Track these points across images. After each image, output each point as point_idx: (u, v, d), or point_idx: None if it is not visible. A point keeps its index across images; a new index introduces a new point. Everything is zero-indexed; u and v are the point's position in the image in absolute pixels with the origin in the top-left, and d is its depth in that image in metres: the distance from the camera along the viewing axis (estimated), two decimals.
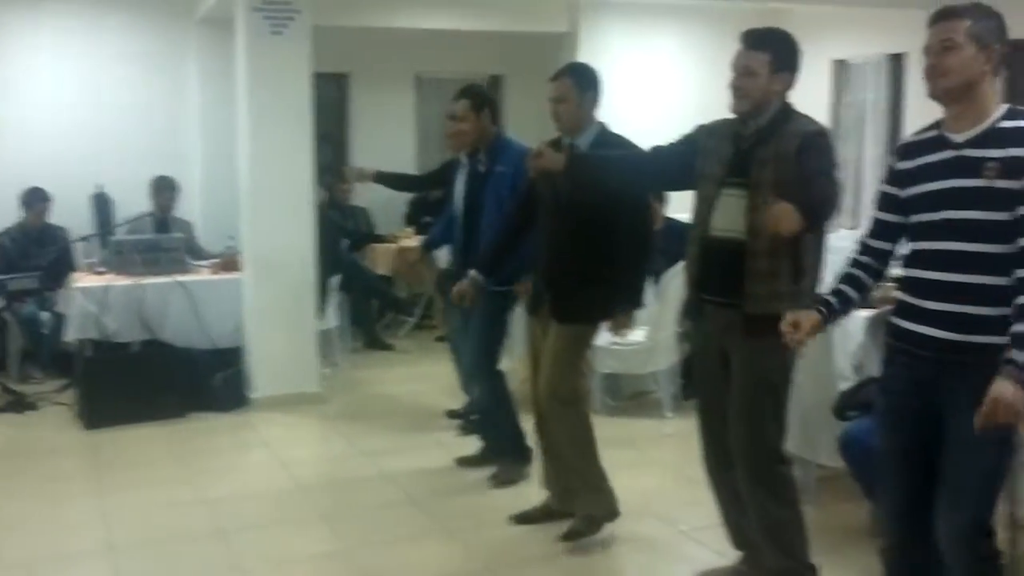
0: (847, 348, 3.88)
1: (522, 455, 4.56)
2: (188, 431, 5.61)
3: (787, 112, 3.10)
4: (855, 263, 2.78)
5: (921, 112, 2.71)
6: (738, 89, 3.09)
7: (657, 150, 3.41)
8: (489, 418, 4.67)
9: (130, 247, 6.25)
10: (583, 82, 3.79)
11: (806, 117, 3.12)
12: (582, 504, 3.92)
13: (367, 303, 7.84)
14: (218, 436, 5.56)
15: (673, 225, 5.75)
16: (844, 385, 3.77)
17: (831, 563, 3.42)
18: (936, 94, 2.56)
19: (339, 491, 4.69)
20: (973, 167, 2.48)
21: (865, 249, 2.77)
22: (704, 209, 3.18)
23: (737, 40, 3.15)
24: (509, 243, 4.13)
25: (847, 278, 2.78)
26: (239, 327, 6.18)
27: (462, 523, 4.19)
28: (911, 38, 8.38)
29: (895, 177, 2.69)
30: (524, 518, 4.11)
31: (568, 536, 3.88)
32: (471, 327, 4.51)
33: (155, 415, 5.67)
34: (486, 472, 4.70)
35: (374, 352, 7.60)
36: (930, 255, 2.57)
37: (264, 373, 6.04)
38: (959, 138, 2.53)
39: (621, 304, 3.83)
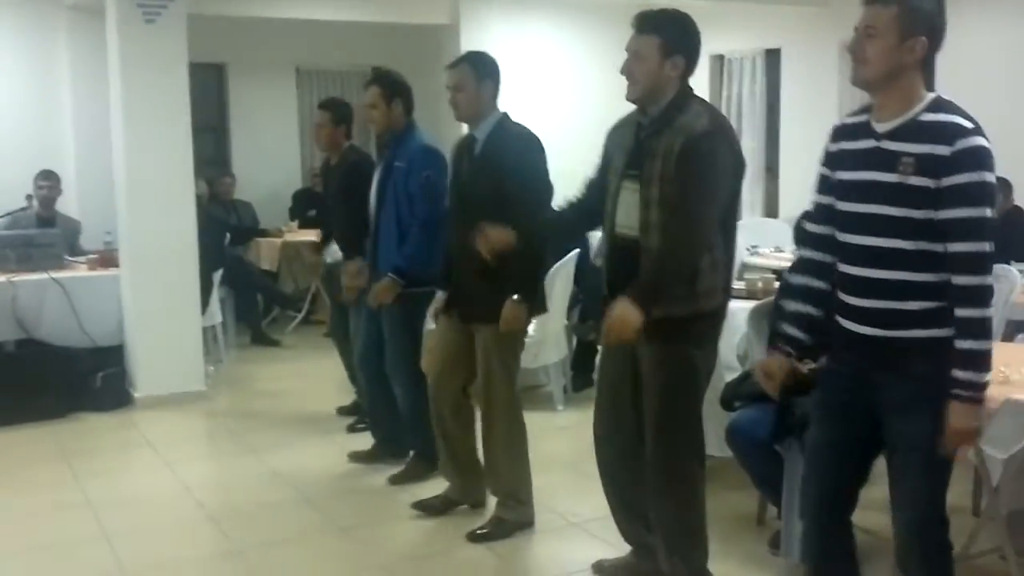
0: (731, 340, 3.99)
1: (430, 459, 4.46)
2: (69, 432, 5.45)
3: (682, 101, 2.97)
4: (805, 266, 2.71)
5: (798, 106, 2.76)
6: (627, 74, 2.99)
7: (585, 195, 3.33)
8: (410, 419, 4.54)
9: (3, 243, 6.02)
10: (480, 70, 3.77)
11: (701, 106, 3.00)
12: (500, 505, 3.95)
13: (252, 298, 7.74)
14: (100, 436, 5.42)
15: None
16: (729, 376, 3.86)
17: (720, 551, 3.47)
18: (855, 81, 2.51)
19: (227, 490, 4.64)
20: (889, 161, 2.43)
21: (812, 241, 2.68)
22: (610, 204, 3.12)
23: (621, 29, 3.07)
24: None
25: (803, 294, 2.68)
26: (120, 325, 6.02)
27: (356, 520, 4.19)
28: (787, 34, 8.75)
29: (827, 159, 2.64)
30: (425, 507, 4.14)
31: (475, 538, 3.88)
32: (388, 330, 4.44)
33: (33, 416, 5.50)
34: (378, 468, 4.70)
35: (260, 348, 7.52)
36: (853, 250, 2.53)
37: (147, 371, 5.91)
38: (881, 128, 2.48)
39: (519, 297, 3.70)
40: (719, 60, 8.75)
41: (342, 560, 3.82)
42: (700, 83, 8.46)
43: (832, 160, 2.60)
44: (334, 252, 7.16)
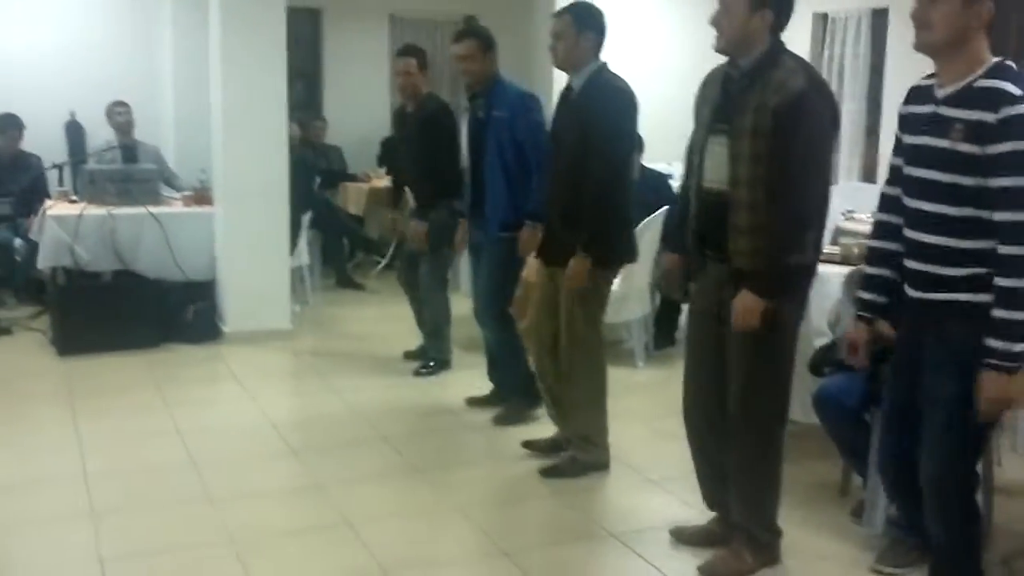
0: (823, 305, 3.91)
1: (530, 397, 4.58)
2: (160, 362, 5.62)
3: (775, 54, 2.92)
4: (878, 229, 2.71)
5: (903, 68, 2.72)
6: (715, 25, 2.97)
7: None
8: (501, 360, 4.69)
9: (103, 176, 6.21)
10: (582, 21, 3.79)
11: (795, 61, 2.94)
12: (575, 445, 4.02)
13: (339, 242, 7.84)
14: (190, 368, 5.58)
15: (649, 174, 5.79)
16: (820, 341, 3.79)
17: (801, 519, 3.46)
18: (919, 46, 2.50)
19: (309, 427, 4.74)
20: (944, 127, 2.43)
21: (884, 203, 2.69)
22: (696, 158, 3.09)
23: None
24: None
25: (878, 256, 2.70)
26: (212, 261, 6.17)
27: (434, 461, 4.25)
28: None
29: (900, 121, 2.65)
30: (531, 445, 4.21)
31: (548, 472, 3.98)
32: (480, 273, 4.54)
33: (127, 345, 5.68)
34: (455, 411, 4.78)
35: (344, 291, 7.61)
36: (911, 213, 2.56)
37: (236, 307, 6.05)
38: (941, 93, 2.48)
39: (582, 247, 3.74)
40: (822, 19, 8.48)
41: (419, 499, 3.88)
42: (802, 42, 8.34)
43: (902, 123, 2.63)
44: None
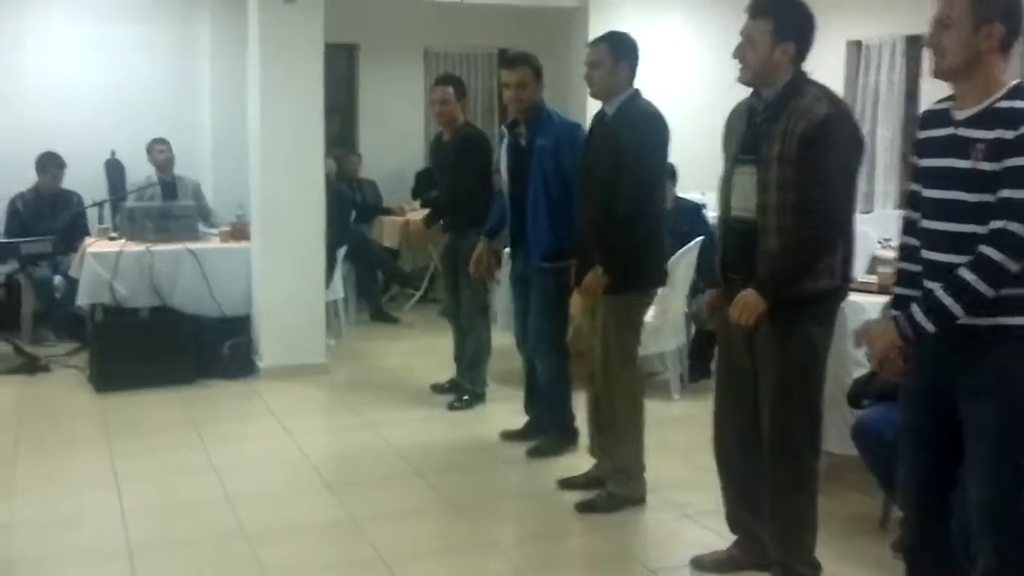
0: None
1: (568, 434, 4.62)
2: (197, 397, 5.66)
3: (798, 84, 2.99)
4: (905, 253, 2.72)
5: (937, 95, 2.70)
6: (739, 58, 3.03)
7: None
8: (550, 394, 4.65)
9: (142, 213, 6.29)
10: (618, 50, 3.85)
11: (818, 90, 3.00)
12: (611, 479, 4.00)
13: (373, 275, 7.87)
14: (226, 403, 5.61)
15: (683, 205, 5.77)
16: (858, 372, 3.74)
17: (839, 553, 3.41)
18: (937, 73, 2.54)
19: (345, 462, 4.74)
20: (964, 148, 2.45)
21: (908, 227, 2.71)
22: (725, 189, 3.16)
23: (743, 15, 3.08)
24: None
25: (905, 279, 2.70)
26: (248, 296, 6.22)
27: (469, 496, 4.24)
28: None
29: (916, 146, 2.67)
30: (569, 483, 4.18)
31: (583, 507, 3.97)
32: (532, 306, 4.52)
33: (165, 381, 5.73)
34: (490, 447, 4.76)
35: (379, 324, 7.64)
36: (929, 234, 2.57)
37: (271, 342, 6.09)
38: (960, 115, 2.50)
39: (600, 262, 3.78)
40: (856, 46, 8.44)
41: (455, 536, 3.86)
42: (836, 70, 8.31)
43: (919, 148, 2.64)
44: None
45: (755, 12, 3.03)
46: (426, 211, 7.64)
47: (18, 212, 7.00)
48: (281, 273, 6.07)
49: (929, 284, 2.54)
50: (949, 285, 2.44)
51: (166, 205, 6.58)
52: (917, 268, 2.66)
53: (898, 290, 2.75)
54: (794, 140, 2.90)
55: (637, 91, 3.88)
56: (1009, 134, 2.38)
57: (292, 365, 6.05)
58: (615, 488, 3.98)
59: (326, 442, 5.16)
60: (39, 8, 7.48)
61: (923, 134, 2.63)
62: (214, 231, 6.67)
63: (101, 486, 4.28)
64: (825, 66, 8.45)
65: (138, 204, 6.56)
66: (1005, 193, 2.39)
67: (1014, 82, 2.46)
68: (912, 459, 2.72)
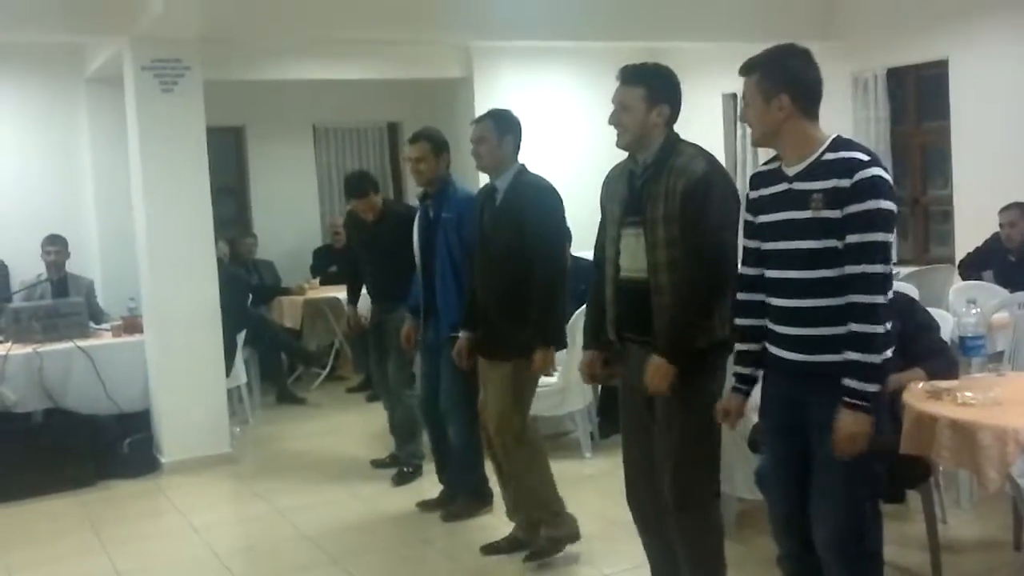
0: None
1: (483, 497, 4.70)
2: (97, 500, 5.44)
3: (672, 144, 3.12)
4: (743, 308, 2.87)
5: None
6: (615, 124, 3.15)
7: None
8: (462, 459, 4.68)
9: (28, 314, 6.09)
10: (502, 125, 4.01)
11: (694, 148, 3.13)
12: (544, 524, 4.06)
13: (276, 357, 7.75)
14: (129, 504, 5.41)
15: (579, 264, 5.83)
16: (756, 417, 3.81)
17: None
18: (754, 143, 2.82)
19: (255, 555, 4.61)
20: (802, 200, 2.63)
21: (745, 284, 2.87)
22: (611, 250, 3.23)
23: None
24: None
25: (748, 333, 2.87)
26: (145, 390, 6.05)
27: None
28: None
29: (749, 205, 2.85)
30: (493, 548, 4.20)
31: (531, 556, 4.05)
32: (443, 374, 4.54)
33: (62, 486, 5.52)
34: (405, 524, 4.71)
35: (285, 406, 7.51)
36: (777, 283, 2.73)
37: (173, 436, 5.92)
38: (790, 172, 2.69)
39: (541, 341, 3.88)
40: (732, 98, 8.75)
41: None
42: (714, 122, 8.60)
43: (753, 206, 2.83)
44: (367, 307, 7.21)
45: (627, 79, 3.16)
46: (329, 289, 7.66)
47: None
48: (178, 363, 5.93)
49: (795, 330, 2.67)
50: (856, 344, 2.57)
51: (53, 303, 6.37)
52: (756, 322, 2.83)
53: (741, 346, 2.91)
54: (676, 198, 3.02)
55: (523, 166, 4.04)
56: (845, 182, 2.56)
57: (196, 457, 5.89)
58: (549, 531, 4.06)
59: (235, 535, 5.00)
60: None
61: (756, 193, 2.82)
62: (106, 326, 6.48)
63: None
64: (703, 118, 8.82)
65: (24, 304, 6.35)
66: (854, 238, 2.56)
67: (833, 136, 2.67)
68: (778, 492, 2.88)
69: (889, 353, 2.60)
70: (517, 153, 4.05)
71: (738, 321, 2.90)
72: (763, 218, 2.77)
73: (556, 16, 6.77)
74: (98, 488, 5.60)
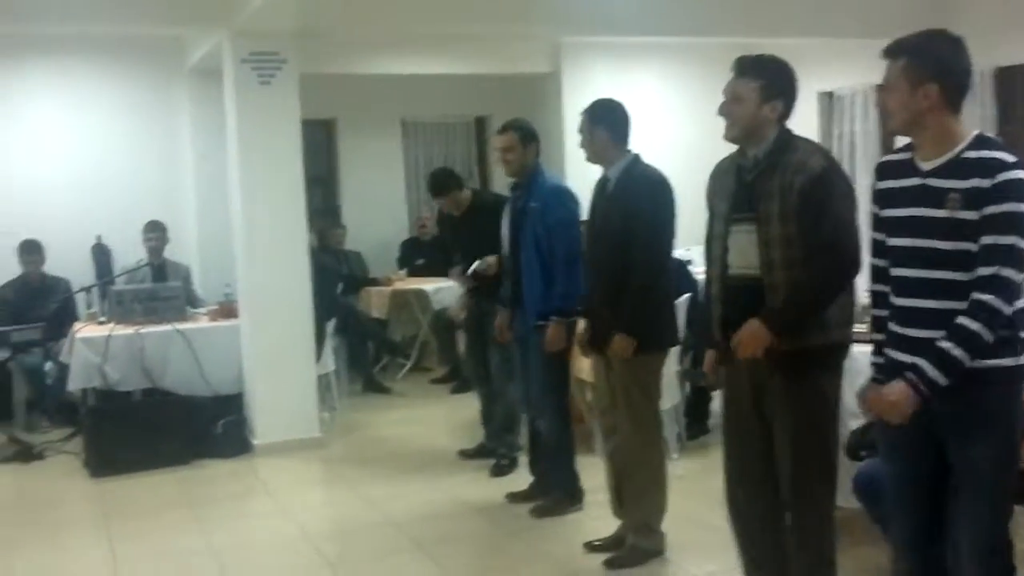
0: (855, 384, 3.87)
1: (573, 494, 4.66)
2: (192, 478, 5.62)
3: (786, 140, 3.06)
4: (877, 300, 2.78)
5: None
6: (725, 115, 3.09)
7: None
8: (553, 452, 4.68)
9: (130, 297, 6.30)
10: (595, 117, 4.02)
11: (808, 144, 3.08)
12: (635, 533, 4.03)
13: (364, 347, 7.86)
14: (222, 483, 5.57)
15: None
16: (855, 424, 3.71)
17: None
18: (891, 130, 2.68)
19: (344, 538, 4.70)
20: (937, 197, 2.53)
21: (877, 275, 2.77)
22: (718, 248, 3.18)
23: (722, 73, 3.17)
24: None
25: (881, 324, 2.75)
26: (238, 374, 6.21)
27: (473, 569, 4.21)
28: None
29: (875, 196, 2.75)
30: (596, 547, 4.16)
31: (612, 563, 4.00)
32: (532, 365, 4.57)
33: (159, 463, 5.70)
34: (495, 517, 4.73)
35: (371, 395, 7.61)
36: (905, 282, 2.62)
37: (265, 419, 6.06)
38: (925, 166, 2.58)
39: (625, 329, 3.84)
40: (828, 97, 8.61)
41: None
42: (809, 121, 8.45)
43: (880, 197, 2.72)
44: (440, 300, 7.31)
45: (742, 71, 3.09)
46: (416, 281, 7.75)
47: (6, 301, 7.00)
48: (271, 349, 6.08)
49: (914, 332, 2.58)
50: (953, 335, 2.48)
51: (154, 287, 6.60)
52: (887, 314, 2.72)
53: (880, 336, 2.78)
54: (793, 195, 2.95)
55: (637, 156, 4.01)
56: (986, 183, 2.46)
57: (286, 441, 6.02)
58: (638, 541, 4.02)
59: (325, 518, 5.11)
60: (20, 101, 7.54)
61: (884, 184, 2.71)
62: (202, 310, 6.67)
63: (99, 573, 4.25)
64: (798, 118, 8.64)
65: (126, 287, 6.58)
66: (989, 240, 2.46)
67: (975, 132, 2.56)
68: (906, 509, 2.75)
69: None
70: (621, 143, 4.01)
71: (876, 312, 2.80)
72: (889, 212, 2.66)
73: (649, 11, 6.74)
74: (192, 467, 5.78)
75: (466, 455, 5.66)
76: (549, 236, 4.43)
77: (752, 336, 2.96)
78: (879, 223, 2.73)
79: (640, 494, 4.03)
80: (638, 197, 3.88)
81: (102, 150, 7.74)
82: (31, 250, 7.10)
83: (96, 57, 7.65)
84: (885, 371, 2.70)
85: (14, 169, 7.48)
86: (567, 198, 4.54)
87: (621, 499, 4.11)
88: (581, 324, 4.22)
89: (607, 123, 4.00)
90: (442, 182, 5.59)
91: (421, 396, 7.52)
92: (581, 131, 4.04)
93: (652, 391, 4.01)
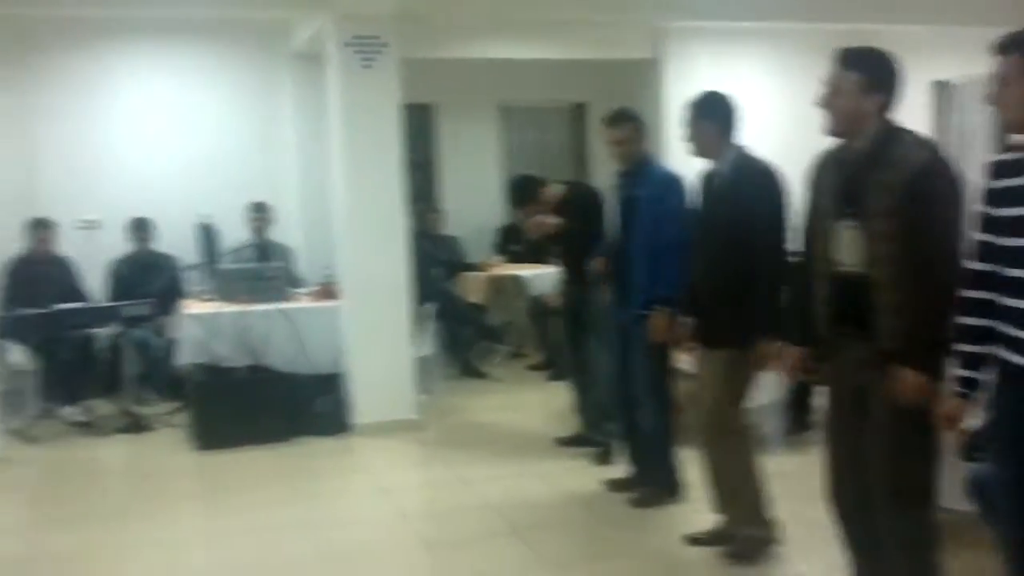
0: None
1: (672, 487, 4.63)
2: (292, 455, 5.74)
3: (890, 133, 2.96)
4: (969, 306, 2.69)
5: None
6: (825, 107, 3.01)
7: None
8: (652, 444, 4.65)
9: (235, 276, 6.46)
10: (700, 110, 3.95)
11: (914, 137, 2.97)
12: (746, 524, 3.99)
13: (461, 331, 7.89)
14: (321, 460, 5.67)
15: None
16: (970, 424, 3.64)
17: None
18: (1005, 126, 2.57)
19: (441, 519, 4.73)
20: None
21: (973, 280, 2.68)
22: (823, 244, 3.10)
23: (825, 61, 3.08)
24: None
25: (973, 333, 2.67)
26: (339, 354, 6.30)
27: (571, 556, 4.20)
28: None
29: (988, 196, 2.64)
30: (696, 540, 4.14)
31: (729, 556, 3.97)
32: (634, 355, 4.54)
33: (261, 438, 5.84)
34: (588, 504, 4.73)
35: (468, 380, 7.66)
36: (1015, 282, 2.52)
37: (364, 399, 6.15)
38: None
39: (762, 331, 3.72)
40: (941, 87, 8.31)
41: None
42: (921, 111, 8.15)
43: (993, 196, 2.60)
44: (537, 286, 7.27)
45: (843, 63, 3.00)
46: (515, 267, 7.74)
47: (121, 276, 7.25)
48: (371, 330, 6.17)
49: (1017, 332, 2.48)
50: None
51: (258, 267, 6.76)
52: (982, 322, 2.63)
53: (970, 348, 2.69)
54: (897, 190, 2.87)
55: (741, 148, 3.92)
56: None
57: (385, 421, 6.11)
58: (751, 531, 3.97)
59: (421, 499, 5.17)
60: (129, 83, 7.77)
61: (999, 183, 2.60)
62: (303, 291, 6.80)
63: (203, 544, 4.37)
64: (910, 107, 8.35)
65: (232, 266, 6.75)
66: None
67: None
68: (1017, 517, 2.65)
69: None
70: (727, 134, 3.93)
71: (963, 320, 2.71)
72: (1003, 211, 2.56)
73: None
74: (292, 443, 5.90)
75: (563, 443, 5.64)
76: (659, 224, 4.38)
77: (910, 386, 2.86)
78: (989, 223, 2.62)
79: (737, 488, 3.98)
80: (752, 191, 3.78)
81: (208, 132, 7.94)
82: (141, 227, 7.33)
83: (203, 41, 7.84)
84: (971, 385, 2.68)
85: (124, 150, 7.72)
86: (679, 186, 4.47)
87: (719, 494, 4.06)
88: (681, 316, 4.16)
89: (715, 116, 3.94)
90: (520, 193, 5.59)
91: (517, 382, 7.53)
92: (687, 124, 3.96)
93: (744, 383, 3.94)
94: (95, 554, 4.32)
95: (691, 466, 4.58)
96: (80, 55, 7.63)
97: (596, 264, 4.95)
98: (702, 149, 3.95)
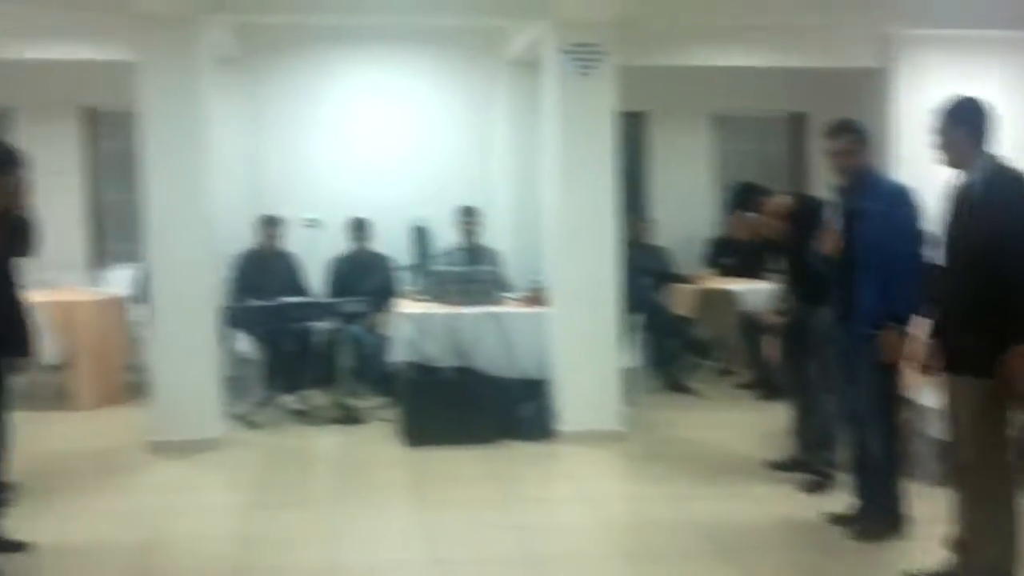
0: None
1: (896, 519, 4.33)
2: (498, 457, 5.77)
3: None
4: None
5: None
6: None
7: None
8: (878, 470, 4.37)
9: (447, 278, 6.58)
10: (954, 117, 3.71)
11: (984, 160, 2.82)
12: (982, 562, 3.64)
13: (668, 344, 7.73)
14: (527, 465, 5.67)
15: None
16: None
17: None
18: None
19: (644, 533, 4.62)
20: None
21: None
22: None
23: None
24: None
25: None
26: (544, 360, 6.30)
27: None
28: None
29: None
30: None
31: None
32: (861, 377, 4.30)
33: (466, 439, 5.91)
34: (805, 530, 4.48)
35: (673, 394, 7.49)
36: None
37: (569, 407, 6.12)
38: None
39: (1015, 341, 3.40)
40: None
41: None
42: None
43: None
44: (749, 302, 7.00)
45: None
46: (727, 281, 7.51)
47: (341, 273, 7.56)
48: (578, 339, 6.13)
49: None
50: None
51: (469, 270, 6.86)
52: None
53: None
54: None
55: (993, 157, 3.64)
56: None
57: (588, 431, 6.05)
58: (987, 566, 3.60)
59: (625, 511, 5.06)
60: (350, 90, 8.11)
61: None
62: (513, 295, 6.85)
63: (409, 537, 4.46)
64: None
65: (444, 269, 6.88)
66: None
67: None
68: None
69: None
70: (980, 143, 3.65)
71: None
72: None
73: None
74: (497, 446, 5.94)
75: (775, 466, 5.39)
76: (890, 239, 4.13)
77: None
78: None
79: (979, 535, 3.61)
80: (1005, 203, 3.48)
81: (425, 136, 8.18)
82: (360, 227, 7.64)
83: (422, 47, 8.10)
84: None
85: (344, 152, 8.07)
86: (909, 199, 4.22)
87: (960, 535, 3.72)
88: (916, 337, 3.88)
89: (969, 124, 3.68)
90: (741, 200, 5.41)
91: (725, 400, 7.31)
92: (937, 131, 3.71)
93: (1001, 418, 3.57)
94: (312, 537, 4.47)
95: (918, 501, 4.29)
96: (305, 61, 8.05)
97: (828, 238, 4.51)
98: (954, 158, 3.68)
